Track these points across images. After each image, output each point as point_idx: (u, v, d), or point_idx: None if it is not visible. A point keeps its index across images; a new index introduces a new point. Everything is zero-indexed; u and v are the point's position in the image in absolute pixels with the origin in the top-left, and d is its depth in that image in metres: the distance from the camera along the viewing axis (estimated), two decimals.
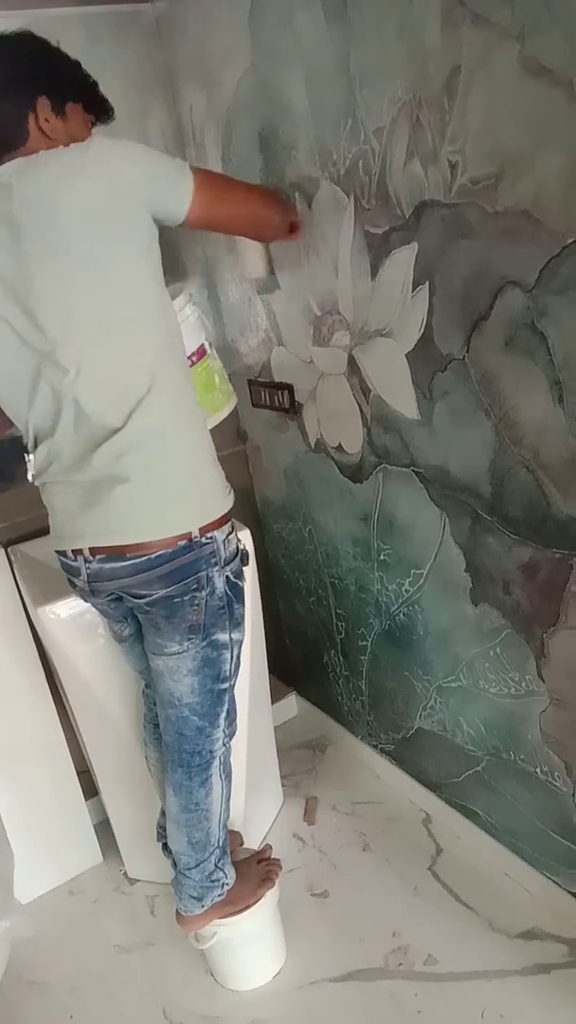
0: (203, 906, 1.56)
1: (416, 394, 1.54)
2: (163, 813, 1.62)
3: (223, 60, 1.72)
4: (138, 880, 2.02)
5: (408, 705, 1.95)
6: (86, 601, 1.50)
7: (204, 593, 1.33)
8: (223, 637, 1.40)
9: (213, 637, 1.39)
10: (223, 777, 1.55)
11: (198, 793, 1.51)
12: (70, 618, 1.68)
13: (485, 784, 1.78)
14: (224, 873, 1.59)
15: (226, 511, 1.37)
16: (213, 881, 1.57)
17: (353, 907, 1.78)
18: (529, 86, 1.10)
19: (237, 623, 1.43)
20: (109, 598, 1.41)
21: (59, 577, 1.78)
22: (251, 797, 1.95)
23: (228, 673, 1.45)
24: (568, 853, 1.61)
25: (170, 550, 1.29)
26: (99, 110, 1.32)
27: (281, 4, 1.50)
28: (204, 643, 1.38)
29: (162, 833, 1.63)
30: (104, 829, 2.06)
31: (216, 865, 1.57)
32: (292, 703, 2.54)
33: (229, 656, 1.43)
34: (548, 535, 1.36)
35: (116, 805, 1.95)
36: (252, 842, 1.94)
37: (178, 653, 1.37)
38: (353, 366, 1.69)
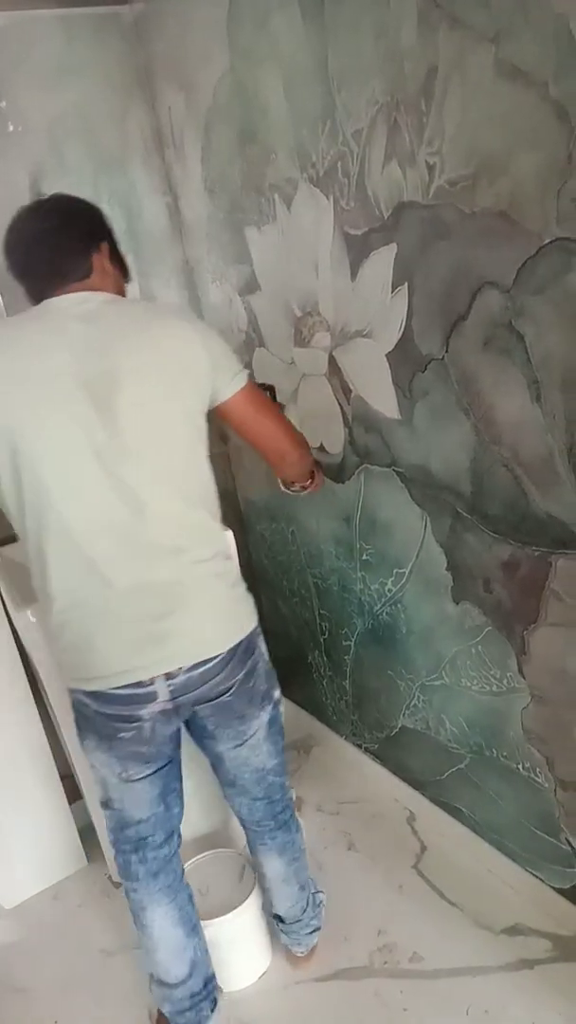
0: (319, 930, 1.69)
1: (397, 394, 1.55)
2: (175, 985, 1.50)
3: (201, 62, 1.72)
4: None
5: (392, 704, 1.96)
6: (132, 740, 1.34)
7: (261, 662, 1.44)
8: (277, 694, 1.50)
9: (275, 697, 1.49)
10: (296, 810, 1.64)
11: (297, 839, 1.62)
12: None
13: (468, 781, 1.79)
14: (321, 892, 1.73)
15: None
16: (319, 905, 1.71)
17: (338, 906, 1.79)
18: (504, 88, 1.11)
19: (276, 678, 1.51)
20: (186, 713, 1.38)
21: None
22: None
23: (283, 725, 1.54)
24: (550, 848, 1.62)
25: (246, 635, 1.39)
26: (126, 273, 1.43)
27: (258, 6, 1.51)
28: (271, 706, 1.47)
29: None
30: (88, 833, 2.05)
31: (313, 891, 1.69)
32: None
33: (282, 709, 1.53)
34: (527, 533, 1.37)
35: (100, 809, 1.94)
36: (237, 842, 1.95)
37: (258, 728, 1.45)
38: (334, 367, 1.69)
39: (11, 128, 1.85)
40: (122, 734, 1.33)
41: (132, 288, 2.11)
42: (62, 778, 2.01)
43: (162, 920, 1.48)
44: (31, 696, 1.91)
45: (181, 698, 1.32)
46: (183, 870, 1.53)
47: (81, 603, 1.26)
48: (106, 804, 1.44)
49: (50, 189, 1.90)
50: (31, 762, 1.95)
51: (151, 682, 1.28)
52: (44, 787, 1.98)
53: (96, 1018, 1.69)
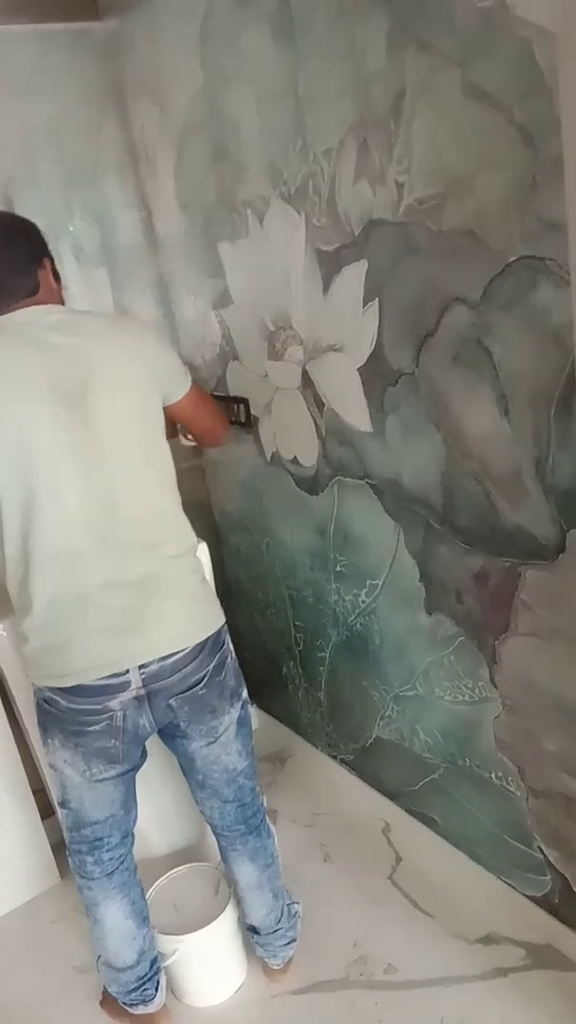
0: (295, 942, 1.69)
1: (369, 407, 1.56)
2: (124, 969, 1.55)
3: (173, 79, 1.74)
4: None
5: (366, 715, 1.97)
6: (102, 733, 1.36)
7: (229, 658, 1.49)
8: (245, 694, 1.54)
9: (243, 696, 1.53)
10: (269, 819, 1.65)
11: (268, 843, 1.63)
12: None
13: (442, 791, 1.80)
14: (296, 903, 1.72)
15: None
16: (294, 915, 1.70)
17: (314, 918, 1.79)
18: (471, 110, 1.14)
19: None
20: (160, 706, 1.39)
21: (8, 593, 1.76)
22: None
23: (252, 727, 1.57)
24: (523, 857, 1.64)
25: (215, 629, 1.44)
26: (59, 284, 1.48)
27: (230, 25, 1.53)
28: (240, 703, 1.51)
29: (143, 982, 1.58)
30: (62, 849, 2.02)
31: (288, 902, 1.69)
32: (252, 716, 2.53)
33: (250, 710, 1.56)
34: (497, 544, 1.40)
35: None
36: (213, 856, 1.94)
37: (228, 724, 1.48)
38: (307, 380, 1.71)
39: None
40: (92, 727, 1.36)
41: (106, 302, 2.12)
42: (34, 792, 1.99)
43: (115, 914, 1.53)
44: (3, 711, 1.90)
45: (153, 686, 1.35)
46: (136, 866, 1.57)
47: (61, 601, 1.30)
48: (63, 803, 1.47)
49: (22, 203, 1.91)
50: (2, 778, 1.93)
51: (125, 672, 1.33)
52: (16, 802, 1.96)
53: None
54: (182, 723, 1.44)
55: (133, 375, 1.34)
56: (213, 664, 1.42)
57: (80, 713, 1.35)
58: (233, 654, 1.51)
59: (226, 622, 1.48)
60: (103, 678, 1.32)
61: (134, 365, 1.35)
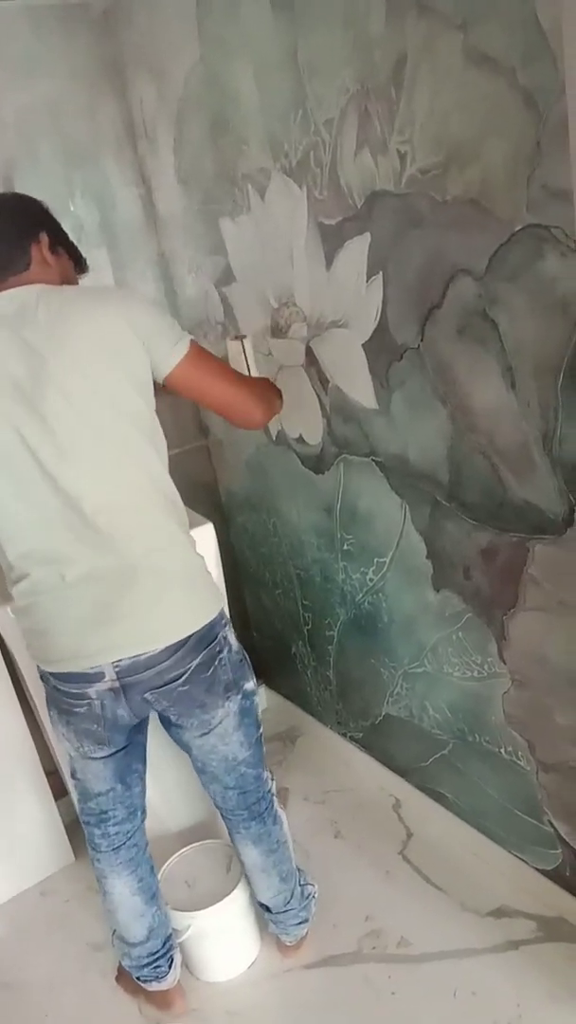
0: (309, 923, 1.70)
1: (374, 384, 1.55)
2: (135, 944, 1.58)
3: (171, 52, 1.71)
4: None
5: (375, 692, 1.97)
6: (85, 716, 1.38)
7: (225, 652, 1.43)
8: (249, 685, 1.50)
9: (244, 688, 1.48)
10: (279, 804, 1.64)
11: (274, 831, 1.61)
12: None
13: (452, 767, 1.81)
14: (311, 885, 1.72)
15: None
16: (307, 897, 1.70)
17: (326, 894, 1.80)
18: (473, 76, 1.12)
19: (251, 669, 1.51)
20: (136, 699, 1.37)
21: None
22: None
23: (259, 716, 1.55)
24: (533, 831, 1.64)
25: (199, 627, 1.38)
26: (79, 262, 1.43)
27: None
28: (240, 696, 1.46)
29: (158, 954, 1.59)
30: (75, 829, 2.05)
31: (302, 883, 1.69)
32: (262, 696, 2.54)
33: (257, 700, 1.53)
34: (505, 519, 1.38)
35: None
36: (225, 833, 1.95)
37: (224, 717, 1.45)
38: (311, 357, 1.69)
39: None
40: (76, 709, 1.38)
41: (107, 280, 2.10)
42: (47, 774, 2.01)
43: (122, 888, 1.55)
44: (14, 692, 1.91)
45: (127, 679, 1.34)
46: (147, 843, 1.59)
47: (39, 591, 1.31)
48: (72, 774, 1.51)
49: (23, 183, 1.88)
50: (16, 759, 1.94)
51: (98, 665, 1.33)
52: (30, 784, 1.98)
53: (87, 1012, 1.70)
54: (172, 717, 1.43)
55: (100, 362, 1.24)
56: (197, 661, 1.37)
57: (66, 695, 1.38)
58: (233, 646, 1.45)
59: (226, 615, 1.45)
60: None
61: (104, 347, 1.24)
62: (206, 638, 1.38)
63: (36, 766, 1.98)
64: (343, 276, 1.50)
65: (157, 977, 1.59)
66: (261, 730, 1.55)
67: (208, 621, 1.38)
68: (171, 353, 1.30)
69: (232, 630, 1.47)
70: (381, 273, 1.42)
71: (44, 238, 1.33)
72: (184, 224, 1.94)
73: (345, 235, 1.46)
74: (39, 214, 1.36)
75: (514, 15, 1.04)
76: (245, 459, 2.13)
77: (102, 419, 1.26)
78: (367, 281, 1.45)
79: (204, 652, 1.38)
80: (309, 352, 1.69)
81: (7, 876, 2.01)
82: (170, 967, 1.60)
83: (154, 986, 1.61)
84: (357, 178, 1.38)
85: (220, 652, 1.41)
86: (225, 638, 1.43)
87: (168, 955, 1.60)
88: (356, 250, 1.44)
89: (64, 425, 1.23)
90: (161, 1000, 1.63)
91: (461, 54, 1.12)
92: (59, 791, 2.05)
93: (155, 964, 1.58)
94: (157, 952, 1.58)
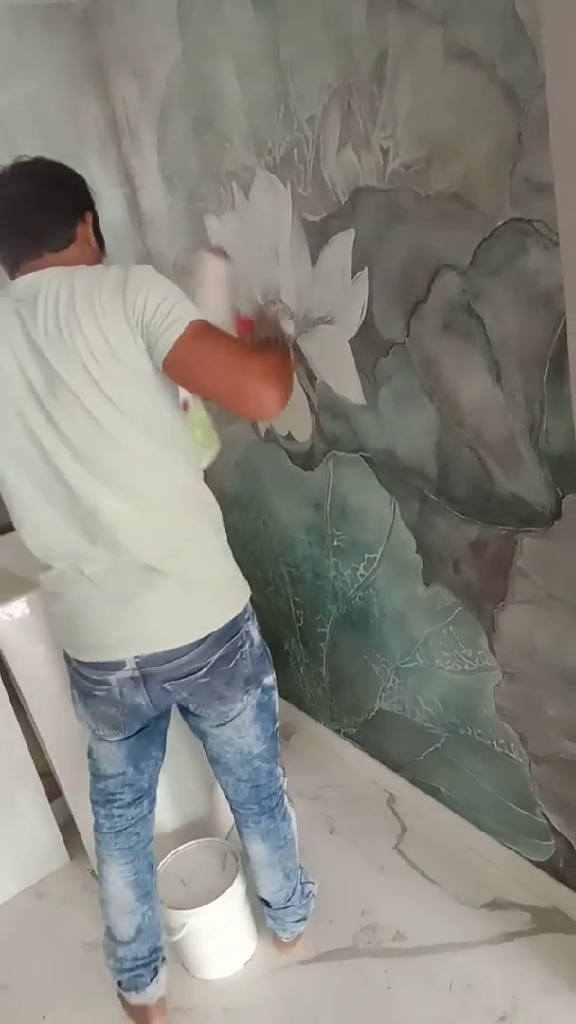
0: (306, 920, 1.70)
1: (361, 380, 1.55)
2: (121, 943, 1.56)
3: (154, 51, 1.71)
4: None
5: (368, 688, 1.97)
6: (104, 700, 1.39)
7: (247, 646, 1.43)
8: (269, 680, 1.50)
9: (264, 682, 1.48)
10: (289, 801, 1.65)
11: (283, 827, 1.61)
12: (24, 619, 1.66)
13: (445, 760, 1.81)
14: (311, 883, 1.72)
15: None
16: (307, 895, 1.70)
17: (321, 889, 1.80)
18: (454, 70, 1.12)
19: (271, 664, 1.52)
20: (155, 688, 1.37)
21: (11, 578, 1.76)
22: (219, 789, 1.95)
23: (277, 712, 1.55)
24: (527, 823, 1.65)
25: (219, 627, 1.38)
26: (103, 247, 1.39)
27: None
28: (259, 690, 1.47)
29: (144, 960, 1.57)
30: (70, 829, 2.05)
31: (303, 881, 1.69)
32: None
33: (275, 696, 1.54)
34: (493, 513, 1.39)
35: (80, 805, 1.94)
36: (220, 831, 1.96)
37: (242, 710, 1.45)
38: (298, 354, 1.69)
39: None
40: (96, 692, 1.40)
41: None
42: (41, 776, 2.00)
43: (115, 878, 1.55)
44: (7, 695, 1.90)
45: (147, 669, 1.35)
46: (151, 838, 1.59)
47: (64, 581, 1.33)
48: (88, 753, 1.54)
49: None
50: (9, 761, 1.94)
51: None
52: (23, 785, 1.98)
53: (83, 1013, 1.69)
54: (191, 707, 1.44)
55: (100, 364, 1.18)
56: (219, 655, 1.37)
57: (87, 679, 1.40)
58: (255, 640, 1.45)
59: (250, 609, 1.44)
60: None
61: (103, 348, 1.17)
62: (229, 632, 1.38)
63: (30, 767, 1.98)
64: (328, 272, 1.51)
65: (136, 987, 1.56)
66: (277, 725, 1.55)
67: (231, 618, 1.38)
68: (164, 337, 1.16)
69: (256, 624, 1.46)
70: (366, 269, 1.42)
71: (90, 218, 1.31)
72: (169, 222, 1.94)
73: (330, 231, 1.46)
74: (87, 193, 1.32)
75: (493, 9, 1.04)
76: (235, 458, 2.13)
77: (110, 424, 1.22)
78: (352, 277, 1.45)
79: (227, 645, 1.38)
80: (296, 349, 1.69)
81: (2, 878, 2.00)
82: (152, 980, 1.57)
83: (134, 998, 1.57)
84: (341, 174, 1.38)
85: (242, 646, 1.41)
86: (248, 632, 1.43)
87: (152, 966, 1.57)
88: (341, 246, 1.45)
89: (76, 432, 1.23)
90: (140, 1017, 1.58)
91: (442, 49, 1.12)
92: (53, 793, 2.04)
93: (136, 972, 1.56)
94: (141, 959, 1.56)
